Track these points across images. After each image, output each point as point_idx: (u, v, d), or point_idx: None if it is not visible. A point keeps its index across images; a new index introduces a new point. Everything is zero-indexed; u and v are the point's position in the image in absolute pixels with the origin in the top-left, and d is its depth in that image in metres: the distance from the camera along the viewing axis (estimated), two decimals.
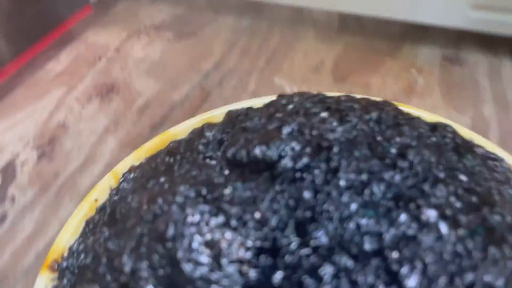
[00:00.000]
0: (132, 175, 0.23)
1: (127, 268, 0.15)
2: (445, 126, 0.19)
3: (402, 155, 0.17)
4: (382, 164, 0.16)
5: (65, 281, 0.20)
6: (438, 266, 0.14)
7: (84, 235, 0.22)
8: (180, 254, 0.14)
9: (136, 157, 0.25)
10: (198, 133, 0.21)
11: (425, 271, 0.14)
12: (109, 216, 0.20)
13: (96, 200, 0.23)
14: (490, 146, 0.20)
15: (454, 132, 0.19)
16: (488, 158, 0.19)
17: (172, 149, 0.21)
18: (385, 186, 0.15)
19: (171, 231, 0.15)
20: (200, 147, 0.20)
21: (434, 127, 0.19)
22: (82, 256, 0.21)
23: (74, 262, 0.21)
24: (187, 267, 0.14)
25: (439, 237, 0.14)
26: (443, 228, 0.14)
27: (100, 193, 0.23)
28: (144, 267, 0.15)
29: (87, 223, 0.23)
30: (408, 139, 0.17)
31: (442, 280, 0.14)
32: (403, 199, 0.15)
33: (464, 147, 0.19)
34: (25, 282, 0.29)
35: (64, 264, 0.21)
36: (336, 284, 0.13)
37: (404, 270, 0.14)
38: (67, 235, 0.22)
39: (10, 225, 0.32)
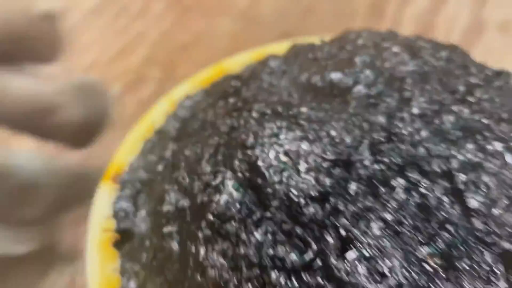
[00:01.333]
0: (189, 103, 0.24)
1: (206, 173, 0.16)
2: (509, 74, 0.20)
3: (470, 92, 0.17)
4: (452, 98, 0.17)
5: (127, 191, 0.22)
6: (500, 190, 0.15)
7: (143, 152, 0.23)
8: (260, 161, 0.15)
9: (191, 87, 0.26)
10: (262, 62, 0.22)
11: (488, 194, 0.15)
12: (178, 131, 0.21)
13: (152, 123, 0.24)
14: None
15: None
16: None
17: (238, 75, 0.22)
18: (455, 117, 0.16)
19: (250, 140, 0.16)
20: (264, 76, 0.21)
21: (499, 73, 0.19)
22: (142, 171, 0.23)
23: (134, 176, 0.22)
24: (266, 172, 0.15)
25: (504, 164, 0.15)
26: (508, 157, 0.15)
27: (156, 117, 0.25)
28: (224, 169, 0.16)
29: (145, 142, 0.24)
30: (476, 79, 0.18)
31: (502, 203, 0.15)
32: (471, 131, 0.16)
33: None
34: None
35: (126, 177, 0.22)
36: (407, 195, 0.14)
37: (469, 191, 0.15)
38: (126, 153, 0.24)
39: None
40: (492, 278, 0.14)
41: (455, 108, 0.17)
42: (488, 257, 0.14)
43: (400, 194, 0.14)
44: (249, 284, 0.14)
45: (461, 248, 0.14)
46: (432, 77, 0.17)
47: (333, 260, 0.14)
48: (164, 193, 0.17)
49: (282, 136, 0.16)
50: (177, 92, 0.26)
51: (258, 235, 0.15)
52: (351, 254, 0.14)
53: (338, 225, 0.14)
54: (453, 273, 0.14)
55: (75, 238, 0.28)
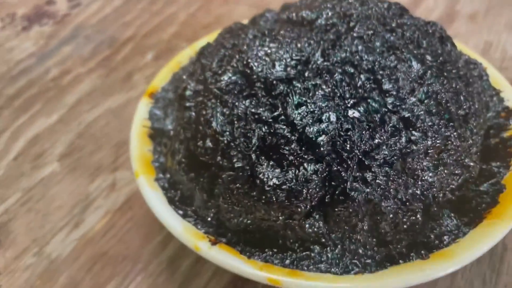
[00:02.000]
0: (208, 50, 0.33)
1: (214, 68, 0.24)
2: (436, 24, 0.28)
3: (398, 26, 0.25)
4: (384, 29, 0.25)
5: (159, 104, 0.30)
6: (405, 82, 0.23)
7: (172, 81, 0.32)
8: (250, 59, 0.24)
9: (211, 38, 0.34)
10: (259, 15, 0.31)
11: (397, 83, 0.23)
12: (194, 64, 0.29)
13: (179, 62, 0.33)
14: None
15: (442, 29, 0.28)
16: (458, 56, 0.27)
17: (243, 25, 0.30)
18: (383, 40, 0.24)
19: (245, 48, 0.24)
20: (261, 23, 0.29)
21: (429, 22, 0.27)
22: (170, 93, 0.31)
23: (164, 94, 0.31)
24: (254, 66, 0.23)
25: (409, 66, 0.23)
26: (414, 63, 0.23)
27: (183, 58, 0.33)
28: (226, 65, 0.24)
29: (174, 75, 0.32)
30: (405, 20, 0.26)
31: (406, 89, 0.23)
32: (393, 48, 0.24)
33: (447, 39, 0.27)
34: None
35: (159, 95, 0.31)
36: (342, 77, 0.22)
37: (385, 79, 0.23)
38: (161, 80, 0.32)
39: None
40: (395, 133, 0.22)
41: (384, 34, 0.25)
42: (394, 119, 0.22)
43: (337, 77, 0.22)
44: (239, 130, 0.22)
45: (377, 112, 0.22)
46: (373, 16, 0.26)
47: (291, 113, 0.22)
48: (186, 85, 0.25)
49: (265, 47, 0.24)
50: (198, 43, 0.35)
51: (246, 102, 0.23)
52: (303, 109, 0.22)
53: (296, 94, 0.22)
54: (369, 124, 0.22)
55: None
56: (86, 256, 0.31)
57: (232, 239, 0.24)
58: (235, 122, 0.22)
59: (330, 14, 0.25)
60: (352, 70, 0.23)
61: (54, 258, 0.31)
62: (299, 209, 0.22)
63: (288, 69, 0.23)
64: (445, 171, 0.23)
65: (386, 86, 0.23)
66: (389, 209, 0.22)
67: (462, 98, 0.24)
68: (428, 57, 0.24)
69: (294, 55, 0.23)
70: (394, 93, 0.23)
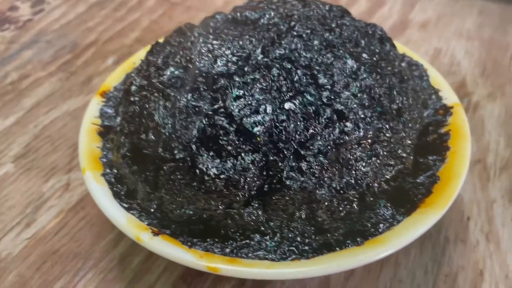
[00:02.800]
0: (157, 48, 0.34)
1: (159, 63, 0.25)
2: (376, 25, 0.29)
3: (339, 27, 0.27)
4: (323, 28, 0.26)
5: (110, 102, 0.31)
6: (340, 77, 0.24)
7: (125, 80, 0.32)
8: (193, 56, 0.24)
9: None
10: (210, 16, 0.31)
11: (332, 78, 0.24)
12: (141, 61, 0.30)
13: (134, 63, 0.34)
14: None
15: (382, 30, 0.29)
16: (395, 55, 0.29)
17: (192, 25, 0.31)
18: (321, 39, 0.25)
19: (189, 45, 0.25)
20: (211, 23, 0.30)
21: (369, 24, 0.29)
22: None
23: (117, 93, 0.32)
24: (197, 62, 0.24)
25: (344, 63, 0.24)
26: (349, 61, 0.24)
27: (137, 59, 0.34)
28: (170, 61, 0.25)
29: (127, 75, 0.33)
30: (345, 21, 0.27)
31: (340, 84, 0.24)
32: (330, 46, 0.25)
33: (387, 39, 0.29)
34: None
35: (111, 94, 0.31)
36: (279, 73, 0.23)
37: (321, 74, 0.24)
38: (113, 79, 0.33)
39: None
40: (329, 124, 0.23)
41: (323, 33, 0.26)
42: (328, 112, 0.23)
43: (274, 72, 0.23)
44: (180, 123, 0.23)
45: (312, 105, 0.23)
46: (313, 17, 0.27)
47: (229, 105, 0.23)
48: (132, 81, 0.26)
49: (209, 44, 0.25)
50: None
51: (188, 96, 0.23)
52: (241, 101, 0.23)
53: (235, 87, 0.23)
54: (304, 116, 0.23)
55: None
56: (36, 255, 0.31)
57: (176, 230, 0.24)
58: (177, 114, 0.23)
59: (272, 14, 0.27)
60: (289, 66, 0.24)
61: (3, 257, 0.31)
62: (237, 198, 0.22)
63: (229, 64, 0.24)
64: (379, 162, 0.24)
65: (322, 80, 0.24)
66: (324, 197, 0.23)
67: (395, 93, 0.25)
68: (365, 55, 0.25)
69: (235, 51, 0.24)
70: (329, 87, 0.24)
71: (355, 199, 0.24)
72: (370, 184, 0.24)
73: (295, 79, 0.23)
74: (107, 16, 0.53)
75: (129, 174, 0.25)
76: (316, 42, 0.25)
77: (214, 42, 0.25)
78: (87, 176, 0.26)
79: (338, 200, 0.23)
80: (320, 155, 0.23)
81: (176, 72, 0.24)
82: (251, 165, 0.22)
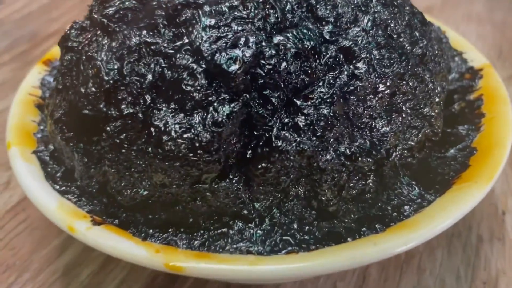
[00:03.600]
0: None
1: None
2: None
3: None
4: None
5: (53, 71, 0.25)
6: (346, 9, 0.18)
7: None
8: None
9: None
10: None
11: (335, 9, 0.18)
12: None
13: None
14: None
15: None
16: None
17: None
18: None
19: None
20: None
21: None
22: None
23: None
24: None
25: None
26: None
27: None
28: None
29: None
30: None
31: (347, 14, 0.18)
32: None
33: None
34: None
35: (55, 63, 0.25)
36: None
37: (320, 5, 0.18)
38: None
39: None
40: (334, 66, 0.17)
41: None
42: (332, 49, 0.17)
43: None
44: (130, 66, 0.17)
45: (310, 41, 0.17)
46: None
47: (197, 37, 0.16)
48: (72, 25, 0.20)
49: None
50: None
51: (142, 32, 0.17)
52: (212, 32, 0.16)
53: (205, 16, 0.17)
54: (301, 52, 0.17)
55: None
56: None
57: (128, 219, 0.18)
58: (125, 56, 0.17)
59: None
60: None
61: None
62: (209, 167, 0.16)
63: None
64: (400, 120, 0.18)
65: (322, 12, 0.18)
66: (329, 165, 0.16)
67: (417, 34, 0.19)
68: None
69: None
70: (332, 20, 0.18)
71: (370, 172, 0.18)
72: (391, 151, 0.18)
73: (287, 8, 0.17)
74: (74, 7, 0.48)
75: (64, 145, 0.18)
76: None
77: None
78: (12, 153, 0.20)
79: (348, 171, 0.17)
80: (323, 107, 0.16)
81: (127, 3, 0.18)
82: (227, 119, 0.16)
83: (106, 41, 0.17)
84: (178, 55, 0.16)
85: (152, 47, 0.17)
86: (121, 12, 0.18)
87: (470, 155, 0.20)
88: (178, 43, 0.17)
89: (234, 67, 0.16)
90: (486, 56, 0.39)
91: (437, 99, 0.19)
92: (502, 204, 0.26)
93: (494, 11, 0.44)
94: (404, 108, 0.18)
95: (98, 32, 0.18)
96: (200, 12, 0.17)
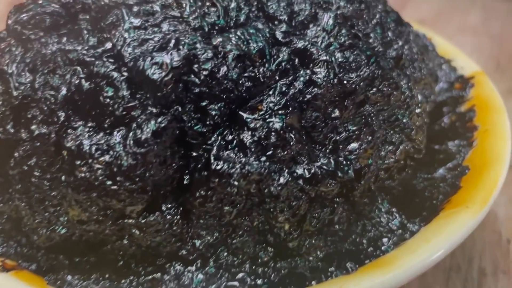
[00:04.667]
0: None
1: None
2: None
3: None
4: None
5: None
6: (302, 5, 0.15)
7: None
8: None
9: None
10: None
11: (290, 5, 0.15)
12: None
13: None
14: None
15: None
16: None
17: None
18: None
19: None
20: None
21: None
22: None
23: None
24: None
25: None
26: None
27: None
28: None
29: None
30: None
31: (305, 12, 0.15)
32: None
33: None
34: None
35: None
36: None
37: (271, 1, 0.15)
38: None
39: None
40: (288, 70, 0.14)
41: None
42: (284, 52, 0.14)
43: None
44: (43, 78, 0.14)
45: (258, 42, 0.14)
46: None
47: (119, 40, 0.14)
48: None
49: None
50: None
51: (61, 39, 0.15)
52: (137, 34, 0.14)
53: (131, 15, 0.14)
54: (245, 56, 0.14)
55: None
56: None
57: (49, 263, 0.15)
58: (39, 67, 0.14)
59: None
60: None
61: None
62: (133, 197, 0.13)
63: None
64: (372, 134, 0.15)
65: (274, 9, 0.15)
66: (284, 190, 0.13)
67: (390, 34, 0.16)
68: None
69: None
70: (286, 18, 0.15)
71: (339, 198, 0.14)
72: (362, 172, 0.15)
73: (232, 5, 0.15)
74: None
75: None
76: None
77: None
78: None
79: (309, 198, 0.14)
80: (274, 120, 0.13)
81: (46, 8, 0.15)
82: (153, 138, 0.13)
83: (19, 51, 0.15)
84: (97, 63, 0.14)
85: (69, 55, 0.14)
86: (37, 18, 0.15)
87: (462, 175, 0.17)
88: (100, 49, 0.14)
89: (160, 74, 0.13)
90: (483, 68, 0.36)
91: (417, 110, 0.16)
92: (507, 231, 0.23)
93: (490, 22, 0.41)
94: (375, 120, 0.15)
95: (12, 42, 0.15)
96: (125, 12, 0.14)
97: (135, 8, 0.15)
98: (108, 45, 0.14)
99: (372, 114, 0.15)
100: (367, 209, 0.15)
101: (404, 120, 0.16)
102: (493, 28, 0.41)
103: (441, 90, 0.21)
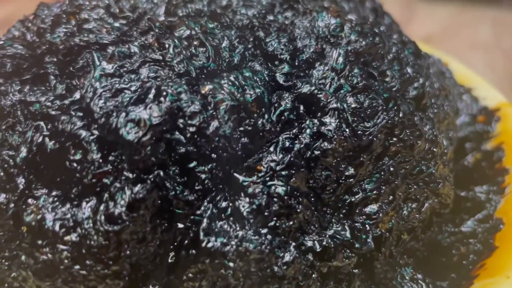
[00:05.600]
0: None
1: None
2: None
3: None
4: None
5: None
6: (307, 40, 0.13)
7: None
8: (38, 20, 0.14)
9: None
10: None
11: (292, 41, 0.13)
12: None
13: None
14: None
15: (376, 2, 0.19)
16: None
17: None
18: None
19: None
20: None
21: None
22: None
23: None
24: (43, 28, 0.13)
25: (314, 18, 0.13)
26: (323, 16, 0.14)
27: None
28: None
29: None
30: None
31: (310, 48, 0.13)
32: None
33: (382, 12, 0.18)
34: None
35: None
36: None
37: (272, 37, 0.13)
38: None
39: None
40: (292, 122, 0.12)
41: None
42: (287, 99, 0.12)
43: (182, 32, 0.12)
44: (0, 137, 0.12)
45: (255, 88, 0.12)
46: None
47: (88, 91, 0.11)
48: None
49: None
50: None
51: (24, 88, 0.12)
52: (110, 82, 0.11)
53: (103, 60, 0.12)
54: (237, 106, 0.11)
55: None
56: None
57: None
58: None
59: None
60: (212, 25, 0.13)
61: None
62: (105, 284, 0.11)
63: (104, 29, 0.13)
64: (393, 193, 0.12)
65: (274, 47, 0.13)
66: (289, 270, 0.11)
67: (409, 70, 0.14)
68: (351, 16, 0.15)
69: (118, 10, 0.14)
70: (288, 57, 0.13)
71: (356, 269, 0.12)
72: (383, 239, 0.12)
73: (224, 44, 0.12)
74: None
75: None
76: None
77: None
78: None
79: (321, 276, 0.12)
80: (276, 182, 0.11)
81: (8, 49, 0.13)
82: (128, 212, 0.10)
83: None
84: (63, 118, 0.11)
85: (31, 107, 0.12)
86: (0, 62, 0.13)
87: (495, 231, 0.14)
88: (67, 100, 0.12)
89: (137, 134, 0.11)
90: (498, 86, 0.33)
91: (444, 157, 0.14)
92: None
93: (502, 36, 0.39)
94: (397, 175, 0.13)
95: None
96: (95, 56, 0.12)
97: (110, 49, 0.12)
98: (77, 95, 0.12)
99: (392, 169, 0.12)
100: (389, 276, 0.13)
101: (429, 171, 0.13)
102: (505, 42, 0.38)
103: (462, 124, 0.19)
